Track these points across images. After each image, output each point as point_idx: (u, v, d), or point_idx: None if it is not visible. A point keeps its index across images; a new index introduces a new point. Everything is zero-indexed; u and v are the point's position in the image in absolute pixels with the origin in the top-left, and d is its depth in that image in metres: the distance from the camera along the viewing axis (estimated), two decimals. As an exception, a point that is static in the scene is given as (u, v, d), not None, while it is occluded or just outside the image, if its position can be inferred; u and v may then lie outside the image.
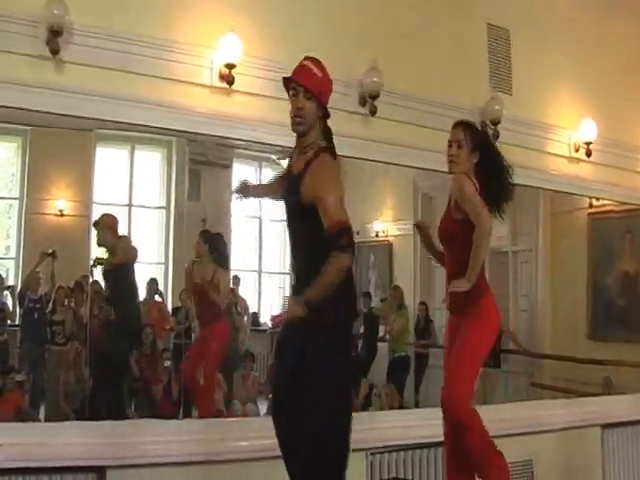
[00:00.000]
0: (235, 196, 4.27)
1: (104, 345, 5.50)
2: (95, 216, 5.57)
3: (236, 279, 6.81)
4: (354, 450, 3.92)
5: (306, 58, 3.94)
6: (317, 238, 3.61)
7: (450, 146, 4.63)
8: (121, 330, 5.63)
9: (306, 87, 3.83)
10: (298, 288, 3.79)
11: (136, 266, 5.80)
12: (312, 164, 3.78)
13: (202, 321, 6.13)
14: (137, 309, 5.92)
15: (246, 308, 6.90)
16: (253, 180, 5.94)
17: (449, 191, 4.65)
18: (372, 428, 5.62)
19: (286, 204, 3.91)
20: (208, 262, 6.04)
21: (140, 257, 5.86)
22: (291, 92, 3.87)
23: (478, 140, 4.66)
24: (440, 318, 7.21)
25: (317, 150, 3.84)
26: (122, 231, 5.85)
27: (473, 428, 4.39)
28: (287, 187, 3.92)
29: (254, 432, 5.03)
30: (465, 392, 4.42)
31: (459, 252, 4.45)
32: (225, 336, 6.25)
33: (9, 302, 5.60)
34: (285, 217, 3.90)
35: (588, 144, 7.24)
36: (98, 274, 5.67)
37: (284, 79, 3.91)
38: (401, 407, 6.61)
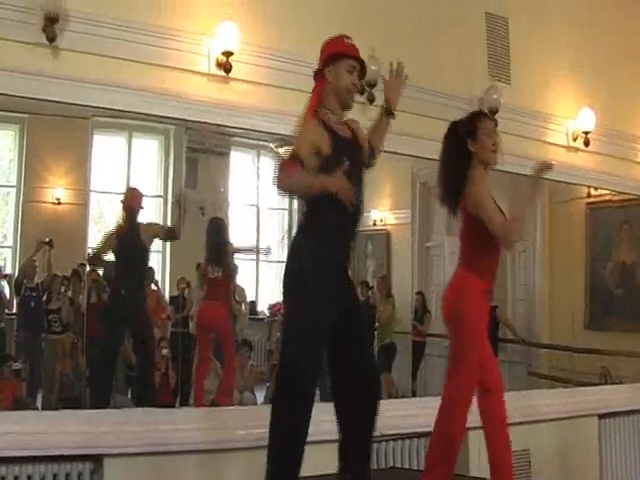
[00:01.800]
0: None
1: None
2: (93, 204, 5.61)
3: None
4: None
5: (347, 37, 4.08)
6: None
7: (489, 135, 4.62)
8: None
9: (364, 73, 4.09)
10: None
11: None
12: (358, 128, 4.10)
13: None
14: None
15: (244, 297, 6.91)
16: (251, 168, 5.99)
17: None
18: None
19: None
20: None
21: (150, 245, 5.90)
22: (350, 66, 3.97)
23: None
24: (437, 307, 7.21)
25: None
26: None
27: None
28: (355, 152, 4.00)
29: (251, 421, 5.03)
30: None
31: None
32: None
33: (6, 291, 5.58)
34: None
35: (586, 133, 7.25)
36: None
37: (353, 51, 4.02)
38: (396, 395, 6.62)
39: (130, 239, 5.71)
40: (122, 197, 5.76)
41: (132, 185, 6.00)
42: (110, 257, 5.70)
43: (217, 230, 6.14)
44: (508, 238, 4.41)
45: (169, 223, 5.98)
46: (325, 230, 3.81)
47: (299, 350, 3.75)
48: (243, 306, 6.88)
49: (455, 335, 4.57)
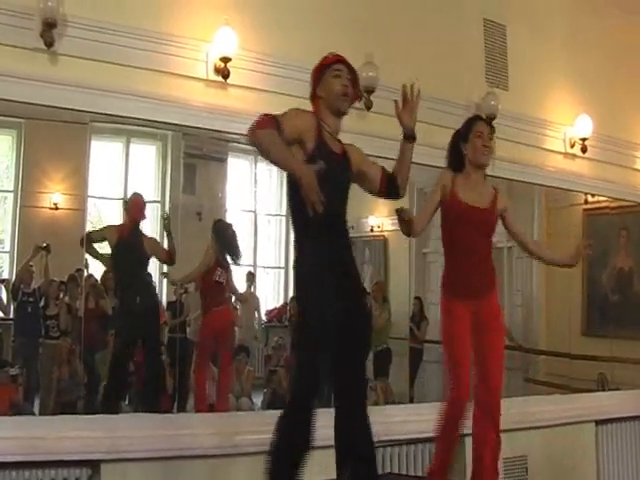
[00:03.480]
0: None
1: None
2: (90, 209, 5.61)
3: (250, 275, 6.92)
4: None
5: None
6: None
7: (490, 138, 4.73)
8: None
9: (353, 72, 3.97)
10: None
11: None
12: (353, 149, 4.03)
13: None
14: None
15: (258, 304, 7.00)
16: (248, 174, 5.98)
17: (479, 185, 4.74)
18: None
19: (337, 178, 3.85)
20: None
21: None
22: (335, 72, 3.92)
23: None
24: (435, 313, 7.21)
25: None
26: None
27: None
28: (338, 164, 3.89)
29: (248, 426, 5.03)
30: None
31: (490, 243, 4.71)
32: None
33: (3, 295, 5.58)
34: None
35: (584, 140, 7.26)
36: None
37: (334, 57, 3.96)
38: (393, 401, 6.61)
39: (134, 247, 5.72)
40: (126, 205, 5.77)
41: (136, 192, 5.95)
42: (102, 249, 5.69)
43: (229, 232, 6.15)
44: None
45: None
46: (310, 241, 3.79)
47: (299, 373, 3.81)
48: (256, 314, 6.92)
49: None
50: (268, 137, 3.58)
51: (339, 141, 3.96)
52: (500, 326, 4.73)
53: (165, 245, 5.78)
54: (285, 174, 3.75)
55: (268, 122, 3.60)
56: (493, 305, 4.70)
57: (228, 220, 6.53)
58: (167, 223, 5.78)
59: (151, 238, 5.85)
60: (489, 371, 4.57)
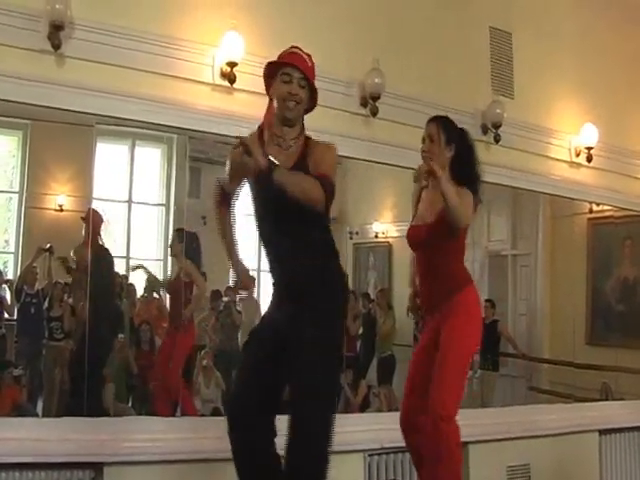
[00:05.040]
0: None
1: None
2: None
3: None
4: (353, 451, 3.93)
5: (294, 47, 3.89)
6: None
7: (423, 142, 4.60)
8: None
9: (305, 73, 3.79)
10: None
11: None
12: (318, 154, 3.78)
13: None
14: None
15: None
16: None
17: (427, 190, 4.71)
18: (370, 430, 5.61)
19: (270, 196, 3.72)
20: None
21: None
22: (281, 77, 3.78)
23: (452, 133, 4.60)
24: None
25: (309, 141, 3.86)
26: (122, 227, 5.95)
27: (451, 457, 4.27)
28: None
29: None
30: (455, 403, 4.28)
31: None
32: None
33: (7, 296, 5.57)
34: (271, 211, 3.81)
35: (589, 149, 7.26)
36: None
37: (273, 63, 3.85)
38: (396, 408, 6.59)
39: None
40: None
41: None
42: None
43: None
44: None
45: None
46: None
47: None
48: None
49: None
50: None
51: (286, 144, 3.84)
52: (446, 344, 4.37)
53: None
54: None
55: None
56: (443, 321, 4.46)
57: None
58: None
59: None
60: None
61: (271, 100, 3.87)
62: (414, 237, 4.65)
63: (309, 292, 3.74)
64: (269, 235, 3.88)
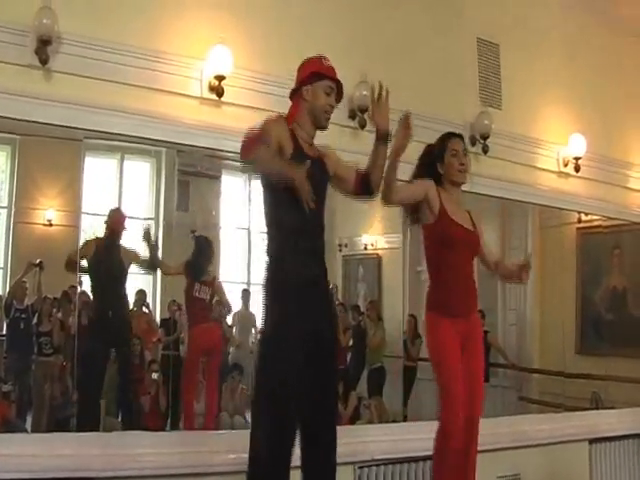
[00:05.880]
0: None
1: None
2: (84, 226, 5.61)
3: (245, 293, 6.89)
4: (343, 464, 3.92)
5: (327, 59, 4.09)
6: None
7: (465, 155, 4.76)
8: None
9: (340, 91, 4.08)
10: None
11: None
12: (331, 156, 4.14)
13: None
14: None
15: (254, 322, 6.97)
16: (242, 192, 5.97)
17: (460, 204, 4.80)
18: (360, 441, 5.61)
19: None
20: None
21: (129, 268, 5.86)
22: (324, 88, 3.98)
23: None
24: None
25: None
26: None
27: None
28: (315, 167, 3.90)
29: (242, 445, 5.00)
30: None
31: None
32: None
33: (-4, 312, 5.57)
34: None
35: (577, 159, 7.30)
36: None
37: (333, 73, 4.04)
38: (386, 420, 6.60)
39: (110, 259, 5.71)
40: (106, 217, 5.75)
41: (115, 207, 5.96)
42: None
43: (203, 248, 6.15)
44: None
45: (160, 245, 5.96)
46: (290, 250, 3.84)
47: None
48: (253, 331, 6.89)
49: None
50: (261, 154, 3.68)
51: (314, 146, 4.03)
52: (482, 348, 4.81)
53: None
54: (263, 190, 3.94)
55: (257, 140, 3.69)
56: (478, 326, 4.79)
57: (222, 237, 6.53)
58: (146, 234, 5.80)
59: (131, 250, 5.84)
60: (476, 390, 4.60)
61: (301, 97, 4.01)
62: (467, 238, 4.72)
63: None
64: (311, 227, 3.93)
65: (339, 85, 4.04)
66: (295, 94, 4.06)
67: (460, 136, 4.87)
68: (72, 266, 5.32)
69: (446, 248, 4.62)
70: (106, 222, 5.72)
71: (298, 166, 3.68)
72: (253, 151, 3.68)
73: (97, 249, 5.66)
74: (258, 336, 4.24)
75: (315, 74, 4.00)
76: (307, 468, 3.85)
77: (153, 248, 5.83)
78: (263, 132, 3.75)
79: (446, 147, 4.74)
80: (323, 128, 4.03)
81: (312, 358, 3.75)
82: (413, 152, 5.81)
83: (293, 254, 3.83)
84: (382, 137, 4.10)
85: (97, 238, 5.78)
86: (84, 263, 5.53)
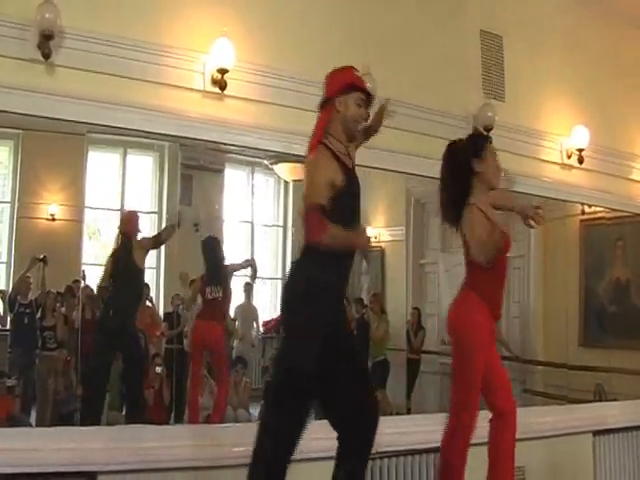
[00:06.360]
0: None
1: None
2: (87, 220, 5.62)
3: (248, 286, 6.90)
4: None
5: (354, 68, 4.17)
6: None
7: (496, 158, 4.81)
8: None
9: (369, 102, 4.16)
10: None
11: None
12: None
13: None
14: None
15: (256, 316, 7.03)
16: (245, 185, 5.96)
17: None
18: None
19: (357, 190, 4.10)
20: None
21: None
22: (356, 99, 4.05)
23: None
24: (432, 324, 7.21)
25: None
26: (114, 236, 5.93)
27: None
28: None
29: (246, 438, 5.01)
30: None
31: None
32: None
33: (0, 307, 5.57)
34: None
35: (580, 151, 7.26)
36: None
37: (365, 86, 4.15)
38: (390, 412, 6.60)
39: (124, 262, 5.72)
40: (119, 221, 5.78)
41: (129, 209, 5.98)
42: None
43: (215, 249, 6.16)
44: (481, 257, 4.44)
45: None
46: (329, 256, 3.86)
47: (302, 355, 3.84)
48: (255, 324, 6.91)
49: (454, 352, 4.62)
50: (332, 242, 3.78)
51: (347, 153, 4.08)
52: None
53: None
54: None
55: (323, 224, 3.76)
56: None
57: (225, 230, 6.54)
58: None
59: (138, 241, 5.85)
60: (505, 377, 4.79)
61: (334, 108, 4.04)
62: (510, 242, 4.82)
63: None
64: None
65: (369, 97, 4.11)
66: (326, 104, 4.07)
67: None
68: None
69: (499, 253, 4.61)
70: (119, 227, 5.74)
71: (360, 232, 3.94)
72: (323, 237, 3.76)
73: (114, 259, 5.70)
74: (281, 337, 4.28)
75: (350, 85, 4.04)
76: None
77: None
78: (315, 204, 3.79)
79: (485, 146, 4.73)
80: (354, 140, 4.11)
81: (340, 354, 3.90)
82: (420, 145, 5.85)
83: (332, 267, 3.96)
84: (369, 134, 4.40)
85: (112, 251, 5.80)
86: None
